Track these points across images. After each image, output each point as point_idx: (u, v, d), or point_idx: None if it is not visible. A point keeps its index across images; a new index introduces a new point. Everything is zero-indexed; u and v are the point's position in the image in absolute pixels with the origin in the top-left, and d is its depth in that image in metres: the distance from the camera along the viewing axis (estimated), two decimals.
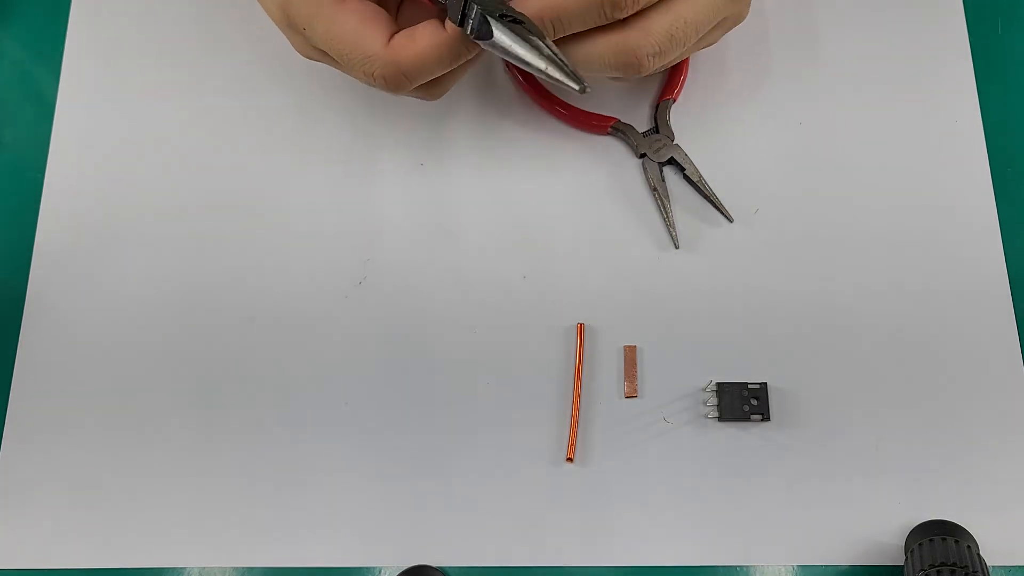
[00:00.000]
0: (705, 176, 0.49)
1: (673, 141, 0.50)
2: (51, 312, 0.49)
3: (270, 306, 0.48)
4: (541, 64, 0.40)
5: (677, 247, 0.49)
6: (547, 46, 0.40)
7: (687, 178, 0.49)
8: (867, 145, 0.50)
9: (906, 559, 0.42)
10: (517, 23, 0.40)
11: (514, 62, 0.40)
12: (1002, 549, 0.43)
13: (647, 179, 0.49)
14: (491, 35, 0.40)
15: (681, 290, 0.48)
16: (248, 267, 0.49)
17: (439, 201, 0.50)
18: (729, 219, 0.49)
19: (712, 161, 0.50)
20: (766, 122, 0.51)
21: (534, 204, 0.50)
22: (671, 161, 0.49)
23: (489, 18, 0.40)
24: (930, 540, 0.41)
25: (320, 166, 0.51)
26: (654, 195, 0.49)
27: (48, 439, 0.46)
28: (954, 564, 0.40)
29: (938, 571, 0.40)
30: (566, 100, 0.50)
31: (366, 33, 0.41)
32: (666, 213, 0.49)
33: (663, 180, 0.49)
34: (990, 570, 0.41)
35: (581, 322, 0.47)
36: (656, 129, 0.50)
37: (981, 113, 0.51)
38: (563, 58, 0.40)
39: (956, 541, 0.41)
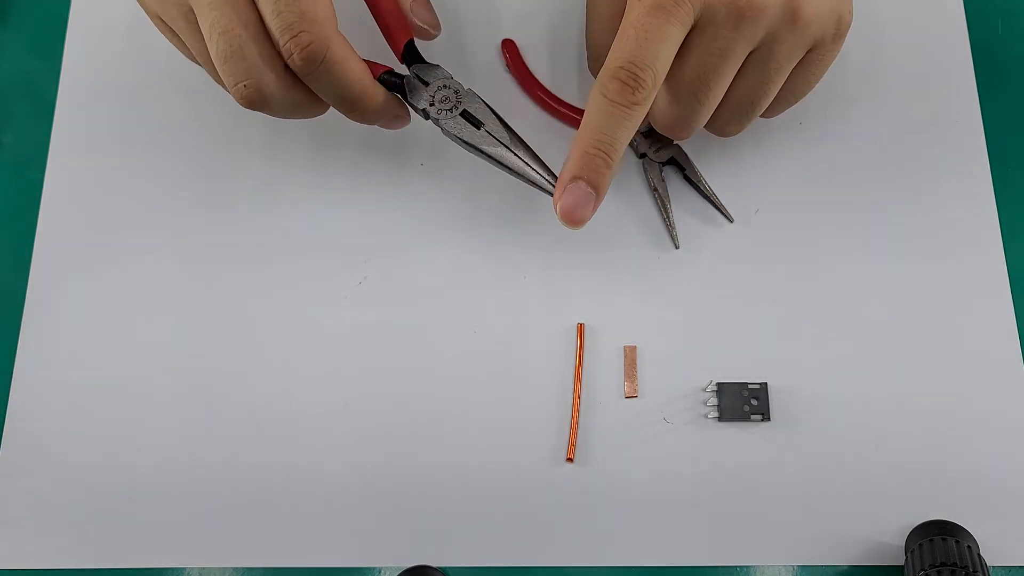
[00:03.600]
0: (705, 176, 0.49)
1: (673, 141, 0.50)
2: (51, 312, 0.49)
3: (270, 306, 0.48)
4: (520, 166, 0.44)
5: (677, 247, 0.49)
6: (512, 150, 0.44)
7: (687, 178, 0.49)
8: (867, 145, 0.50)
9: (906, 559, 0.42)
10: (476, 125, 0.44)
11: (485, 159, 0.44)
12: (1002, 549, 0.43)
13: (647, 179, 0.49)
14: (453, 129, 0.44)
15: (681, 290, 0.48)
16: (249, 267, 0.49)
17: (439, 201, 0.50)
18: (729, 219, 0.49)
19: (712, 161, 0.50)
20: (766, 122, 0.51)
21: (535, 204, 0.50)
22: (671, 161, 0.49)
23: (450, 120, 0.44)
24: (930, 540, 0.41)
25: (320, 166, 0.51)
26: (654, 195, 0.49)
27: (48, 439, 0.46)
28: (954, 564, 0.40)
29: (938, 571, 0.40)
30: (567, 100, 0.51)
31: (324, 3, 0.40)
32: (666, 213, 0.49)
33: (663, 180, 0.49)
34: (990, 570, 0.41)
35: (581, 322, 0.47)
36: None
37: (981, 113, 0.51)
38: (533, 164, 0.44)
39: (956, 541, 0.41)
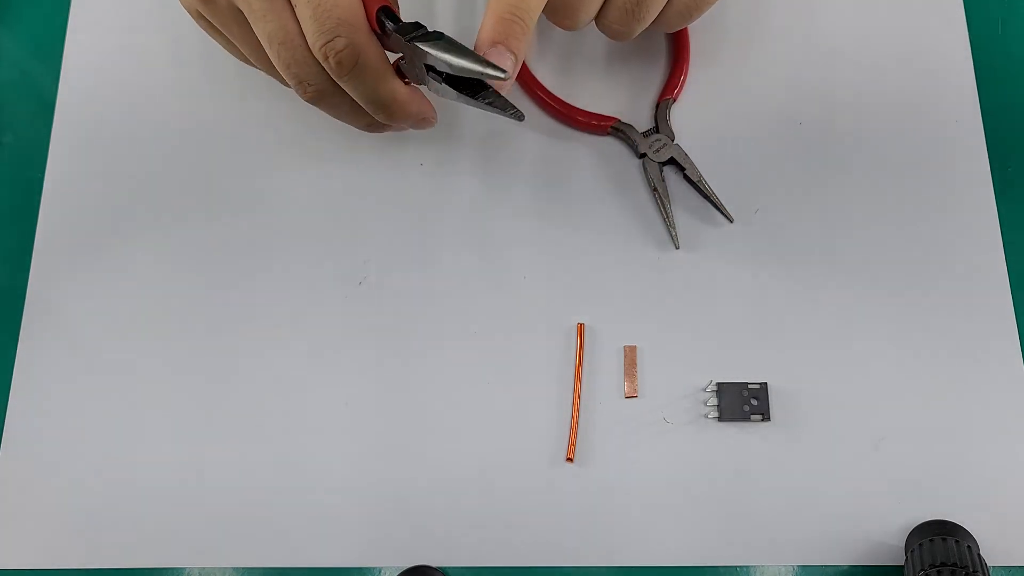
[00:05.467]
0: (705, 176, 0.49)
1: (673, 141, 0.50)
2: (51, 312, 0.49)
3: (270, 306, 0.48)
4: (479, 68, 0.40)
5: (677, 247, 0.49)
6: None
7: (687, 178, 0.49)
8: (866, 145, 0.50)
9: (906, 559, 0.42)
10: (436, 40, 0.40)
11: (453, 71, 0.40)
12: (1002, 549, 0.43)
13: (647, 179, 0.49)
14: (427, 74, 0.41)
15: (681, 290, 0.48)
16: (248, 267, 0.49)
17: (439, 201, 0.50)
18: (729, 219, 0.49)
19: (712, 161, 0.50)
20: (766, 122, 0.51)
21: (534, 204, 0.50)
22: (671, 161, 0.49)
23: (425, 48, 0.40)
24: (930, 540, 0.41)
25: (320, 166, 0.51)
26: (654, 195, 0.49)
27: (48, 439, 0.46)
28: (954, 564, 0.40)
29: (938, 571, 0.40)
30: (566, 100, 0.51)
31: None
32: (666, 213, 0.49)
33: (663, 180, 0.49)
34: (990, 570, 0.41)
35: (581, 322, 0.47)
36: (656, 129, 0.50)
37: (981, 113, 0.51)
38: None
39: (956, 541, 0.41)
